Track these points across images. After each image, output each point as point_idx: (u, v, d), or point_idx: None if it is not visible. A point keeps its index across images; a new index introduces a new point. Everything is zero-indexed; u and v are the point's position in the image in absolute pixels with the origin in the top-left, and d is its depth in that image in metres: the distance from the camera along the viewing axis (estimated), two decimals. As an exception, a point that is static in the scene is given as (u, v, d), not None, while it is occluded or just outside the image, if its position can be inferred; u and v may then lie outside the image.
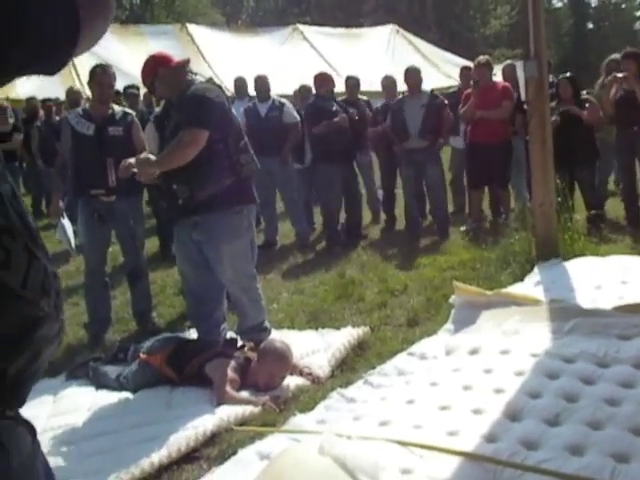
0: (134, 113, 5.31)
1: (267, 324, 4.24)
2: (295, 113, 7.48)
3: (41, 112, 10.61)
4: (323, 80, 7.42)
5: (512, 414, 2.76)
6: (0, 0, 0.78)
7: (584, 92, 7.39)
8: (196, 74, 4.14)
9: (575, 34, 44.68)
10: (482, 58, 7.58)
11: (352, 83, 8.23)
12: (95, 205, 4.82)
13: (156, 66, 3.97)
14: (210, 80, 4.53)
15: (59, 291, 0.99)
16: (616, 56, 7.55)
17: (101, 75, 4.81)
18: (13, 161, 10.11)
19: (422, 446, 2.57)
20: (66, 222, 5.12)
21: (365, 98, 8.48)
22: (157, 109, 5.42)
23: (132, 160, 4.73)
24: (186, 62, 4.10)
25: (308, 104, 7.63)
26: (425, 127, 7.20)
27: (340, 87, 8.28)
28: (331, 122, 7.07)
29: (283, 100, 7.59)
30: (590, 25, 47.13)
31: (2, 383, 0.89)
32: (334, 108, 7.18)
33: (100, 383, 3.98)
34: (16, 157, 10.18)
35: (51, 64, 0.87)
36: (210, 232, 3.91)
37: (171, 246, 7.28)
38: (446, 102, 7.54)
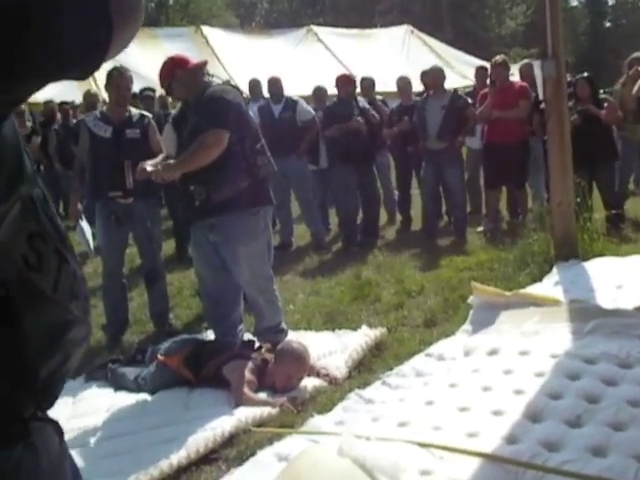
0: (151, 115, 5.33)
1: (284, 325, 4.23)
2: (310, 108, 7.50)
3: (58, 115, 10.68)
4: (344, 82, 7.47)
5: (532, 415, 2.74)
6: (33, 4, 0.79)
7: (601, 91, 7.34)
8: (213, 76, 4.16)
9: (592, 33, 44.35)
10: (499, 58, 7.53)
11: (367, 84, 8.25)
12: (112, 207, 4.85)
13: (174, 68, 3.98)
14: (227, 82, 4.54)
15: (87, 294, 1.01)
16: (638, 54, 7.48)
17: (118, 78, 4.84)
18: None
19: (442, 447, 2.55)
20: (84, 224, 5.14)
21: (381, 98, 8.47)
22: (173, 111, 5.45)
23: (149, 162, 4.76)
24: (203, 64, 4.10)
25: (326, 107, 7.65)
26: (443, 129, 7.15)
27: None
28: (342, 126, 7.14)
29: (295, 98, 7.58)
30: (607, 24, 46.76)
31: (34, 385, 0.91)
32: (354, 111, 7.20)
33: (118, 384, 4.00)
34: (34, 160, 10.23)
35: (84, 69, 0.89)
36: (226, 234, 3.91)
37: (187, 248, 7.34)
38: (470, 101, 7.49)
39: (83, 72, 0.89)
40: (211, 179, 3.80)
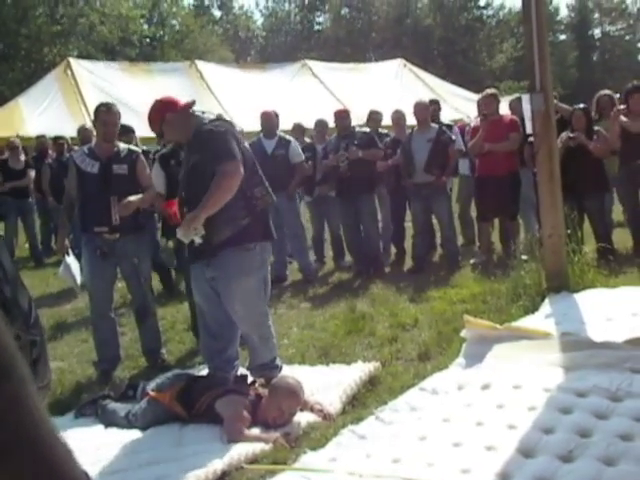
0: (140, 150, 5.36)
1: (278, 362, 4.19)
2: (300, 151, 7.59)
3: (50, 151, 10.74)
4: (341, 116, 7.72)
5: (525, 450, 2.73)
6: None
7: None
8: (204, 112, 4.18)
9: (580, 65, 45.08)
10: (489, 90, 7.70)
11: (377, 117, 8.73)
12: (98, 242, 4.84)
13: (164, 112, 4.01)
14: (220, 116, 4.57)
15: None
16: (606, 92, 7.73)
17: (105, 114, 4.88)
18: (26, 197, 10.18)
19: (435, 484, 2.54)
20: (71, 260, 5.14)
21: (386, 132, 8.59)
22: (158, 147, 5.48)
23: (133, 198, 4.78)
24: (192, 104, 4.11)
25: (328, 142, 7.91)
26: (430, 162, 7.26)
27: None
28: (330, 159, 7.52)
29: (289, 137, 7.68)
30: (595, 57, 47.61)
31: None
32: (355, 142, 7.42)
33: (109, 421, 3.96)
34: (29, 194, 10.24)
35: None
36: (221, 269, 3.89)
37: (173, 282, 7.37)
38: (453, 138, 7.61)
39: None
40: (211, 221, 3.76)
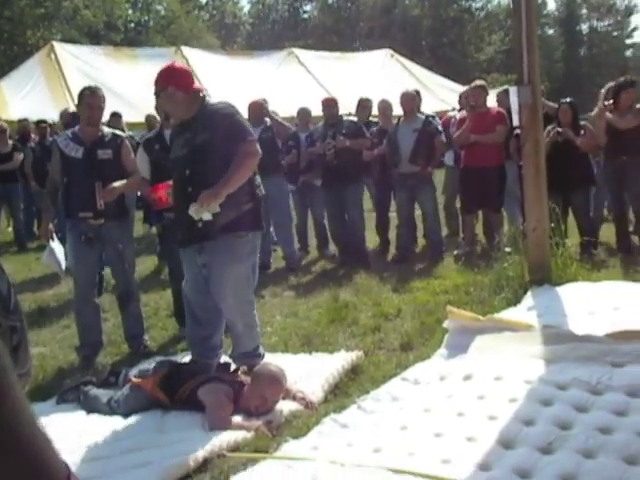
0: (124, 134, 5.31)
1: (261, 350, 4.19)
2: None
3: (33, 135, 10.62)
4: (330, 104, 7.71)
5: (506, 442, 2.75)
6: None
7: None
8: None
9: (568, 60, 45.27)
10: (478, 81, 7.70)
11: (367, 105, 8.66)
12: (83, 228, 4.80)
13: (168, 83, 3.95)
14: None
15: None
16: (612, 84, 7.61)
17: (90, 97, 4.82)
18: (14, 181, 10.05)
19: (416, 474, 2.55)
20: (55, 244, 5.09)
21: (376, 120, 8.57)
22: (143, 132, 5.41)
23: (117, 184, 4.74)
24: (200, 90, 4.09)
25: (315, 129, 7.92)
26: (416, 152, 7.27)
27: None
28: (317, 147, 7.52)
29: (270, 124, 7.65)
30: (582, 52, 47.82)
31: None
32: (342, 131, 7.41)
33: (91, 407, 3.94)
34: (17, 178, 10.10)
35: None
36: (214, 255, 3.89)
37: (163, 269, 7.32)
38: (440, 129, 7.61)
39: None
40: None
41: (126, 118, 9.88)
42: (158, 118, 6.09)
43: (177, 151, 4.05)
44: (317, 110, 8.22)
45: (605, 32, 49.28)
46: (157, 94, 4.09)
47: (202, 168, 3.83)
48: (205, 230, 3.83)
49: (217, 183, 3.71)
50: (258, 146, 3.88)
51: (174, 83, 3.94)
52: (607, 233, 7.42)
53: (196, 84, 4.08)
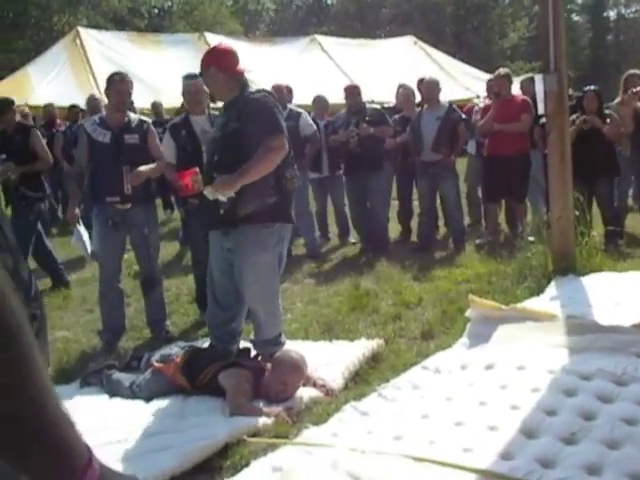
0: (150, 121, 5.32)
1: (283, 338, 4.16)
2: (311, 122, 7.49)
3: (58, 120, 10.67)
4: (352, 92, 7.63)
5: (528, 431, 2.72)
6: None
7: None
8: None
9: (594, 47, 44.57)
10: (502, 70, 7.59)
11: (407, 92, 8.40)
12: (110, 213, 4.83)
13: (211, 63, 3.93)
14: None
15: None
16: (636, 71, 7.48)
17: (119, 83, 4.84)
18: None
19: (437, 462, 2.54)
20: (82, 229, 5.14)
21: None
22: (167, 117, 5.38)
23: (144, 168, 4.76)
24: (244, 70, 4.03)
25: (338, 117, 7.82)
26: (438, 140, 7.20)
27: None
28: (340, 135, 7.43)
29: (300, 110, 7.59)
30: (609, 38, 47.04)
31: None
32: (365, 118, 7.35)
33: (113, 391, 3.98)
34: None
35: None
36: (238, 242, 3.88)
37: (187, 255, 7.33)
38: (463, 117, 7.53)
39: None
40: (240, 191, 3.73)
41: (146, 104, 9.94)
42: (184, 105, 6.03)
43: (214, 132, 4.07)
44: (339, 97, 8.16)
45: (632, 19, 48.40)
46: (201, 74, 4.09)
47: (229, 156, 3.80)
48: (226, 217, 3.82)
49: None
50: (286, 141, 3.79)
51: (216, 63, 3.93)
52: (632, 223, 7.32)
53: (240, 66, 4.03)
